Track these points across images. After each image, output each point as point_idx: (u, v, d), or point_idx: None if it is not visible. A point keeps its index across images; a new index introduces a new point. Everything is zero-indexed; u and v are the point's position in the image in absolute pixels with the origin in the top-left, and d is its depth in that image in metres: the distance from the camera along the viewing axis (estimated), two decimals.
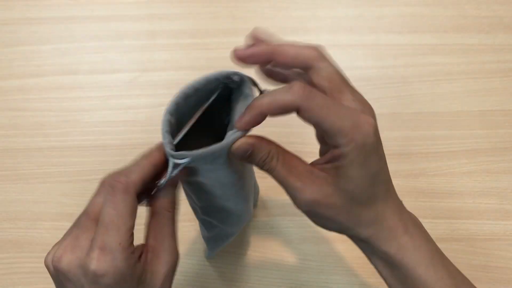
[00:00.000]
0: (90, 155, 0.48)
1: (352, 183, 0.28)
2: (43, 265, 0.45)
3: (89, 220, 0.28)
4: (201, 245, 0.46)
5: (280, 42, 0.31)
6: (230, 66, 0.52)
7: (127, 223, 0.26)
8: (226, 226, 0.37)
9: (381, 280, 0.45)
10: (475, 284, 0.37)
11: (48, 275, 0.45)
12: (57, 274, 0.27)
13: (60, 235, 0.46)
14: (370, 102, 0.51)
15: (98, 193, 0.29)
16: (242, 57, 0.31)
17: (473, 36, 0.52)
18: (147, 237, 0.29)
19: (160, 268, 0.28)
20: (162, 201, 0.29)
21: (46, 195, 0.47)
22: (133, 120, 0.49)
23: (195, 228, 0.46)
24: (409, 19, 0.52)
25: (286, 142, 0.49)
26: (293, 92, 0.27)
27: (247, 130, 0.29)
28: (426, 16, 0.52)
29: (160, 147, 0.31)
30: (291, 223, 0.47)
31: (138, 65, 0.51)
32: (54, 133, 0.49)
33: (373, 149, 0.27)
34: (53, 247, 0.28)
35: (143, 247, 0.28)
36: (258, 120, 0.29)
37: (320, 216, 0.29)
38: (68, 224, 0.47)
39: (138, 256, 0.27)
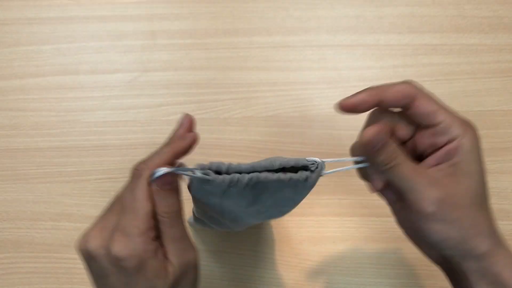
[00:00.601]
0: (90, 155, 0.49)
1: (473, 179, 0.27)
2: (43, 265, 0.45)
3: (119, 204, 0.28)
4: (201, 245, 0.46)
5: (374, 86, 0.31)
6: (230, 66, 0.52)
7: (144, 207, 0.27)
8: (228, 224, 0.36)
9: (381, 280, 0.45)
10: None
11: (48, 275, 0.46)
12: (85, 255, 0.28)
13: (60, 235, 0.46)
14: None
15: (128, 180, 0.29)
16: (350, 107, 0.30)
17: (473, 36, 0.52)
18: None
19: (171, 270, 0.28)
20: (159, 206, 0.28)
21: (46, 195, 0.47)
22: (133, 120, 0.49)
23: (196, 229, 0.46)
24: (409, 19, 0.52)
25: (286, 142, 0.49)
26: (410, 84, 0.29)
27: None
28: (426, 16, 0.52)
29: (181, 136, 0.31)
30: (291, 223, 0.47)
31: (138, 65, 0.51)
32: (54, 133, 0.49)
33: (480, 147, 0.27)
34: (85, 230, 0.29)
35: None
36: (371, 103, 0.29)
37: (444, 220, 0.27)
38: (68, 224, 0.47)
39: (160, 245, 0.27)
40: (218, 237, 0.46)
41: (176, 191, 0.29)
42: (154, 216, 0.27)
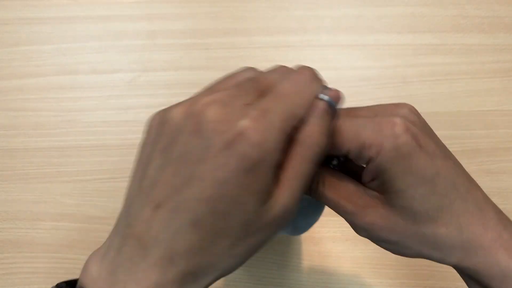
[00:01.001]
0: (90, 155, 0.49)
1: (405, 197, 0.23)
2: (43, 265, 0.45)
3: (255, 85, 0.22)
4: None
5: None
6: (230, 66, 0.52)
7: (301, 107, 0.22)
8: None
9: (381, 280, 0.45)
10: None
11: (48, 275, 0.46)
12: (187, 120, 0.21)
13: (60, 235, 0.46)
14: (370, 102, 0.51)
15: (270, 72, 0.24)
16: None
17: (474, 36, 0.52)
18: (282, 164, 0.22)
19: (273, 211, 0.21)
20: (308, 133, 0.22)
21: (46, 195, 0.47)
22: (133, 120, 0.49)
23: None
24: (409, 19, 0.52)
25: None
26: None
27: None
28: (426, 16, 0.52)
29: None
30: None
31: (138, 65, 0.51)
32: (54, 133, 0.49)
33: (413, 148, 0.22)
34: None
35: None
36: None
37: (386, 241, 0.25)
38: (68, 224, 0.47)
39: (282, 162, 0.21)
40: None
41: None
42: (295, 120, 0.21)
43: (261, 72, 0.24)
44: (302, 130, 0.22)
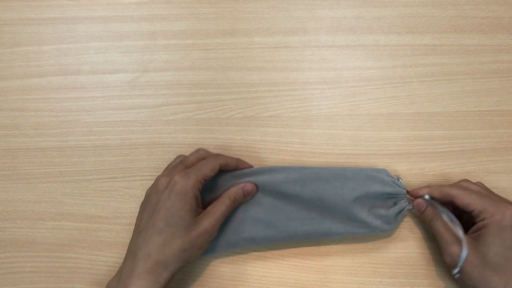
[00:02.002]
0: (91, 155, 0.49)
1: (487, 247, 0.38)
2: (44, 264, 0.46)
3: (183, 164, 0.43)
4: None
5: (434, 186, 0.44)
6: (230, 66, 0.53)
7: (207, 174, 0.41)
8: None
9: (380, 280, 0.45)
10: None
11: (49, 275, 0.46)
12: (152, 189, 0.41)
13: (61, 235, 0.46)
14: (369, 102, 0.52)
15: (191, 154, 0.44)
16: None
17: (472, 37, 0.52)
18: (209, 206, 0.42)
19: (198, 223, 0.39)
20: (231, 192, 0.42)
21: (47, 195, 0.48)
22: (134, 120, 0.50)
23: None
24: (408, 20, 0.52)
25: (286, 142, 0.50)
26: (455, 186, 0.43)
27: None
28: (425, 16, 0.53)
29: (249, 165, 0.46)
30: None
31: (138, 65, 0.51)
32: (55, 133, 0.49)
33: (509, 227, 0.38)
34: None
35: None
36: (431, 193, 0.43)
37: (461, 274, 0.39)
38: (69, 224, 0.47)
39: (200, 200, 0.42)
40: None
41: (246, 197, 0.44)
42: (203, 181, 0.41)
43: (186, 156, 0.44)
44: (228, 189, 0.43)
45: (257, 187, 0.44)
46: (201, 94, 0.50)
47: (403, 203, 0.44)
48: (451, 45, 0.52)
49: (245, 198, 0.43)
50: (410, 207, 0.44)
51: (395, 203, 0.44)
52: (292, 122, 0.50)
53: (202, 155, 0.44)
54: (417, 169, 0.48)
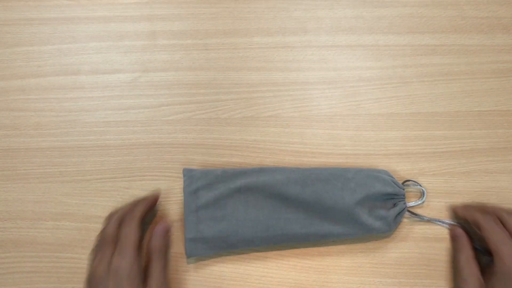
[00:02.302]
0: (91, 155, 0.49)
1: None
2: (44, 264, 0.46)
3: (108, 243, 0.41)
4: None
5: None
6: (230, 67, 0.53)
7: (136, 237, 0.40)
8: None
9: (380, 280, 0.45)
10: None
11: (49, 275, 0.46)
12: (92, 281, 0.39)
13: (61, 235, 0.46)
14: (369, 102, 0.52)
15: (106, 226, 0.42)
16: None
17: (472, 37, 0.52)
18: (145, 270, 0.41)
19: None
20: (151, 247, 0.41)
21: (47, 195, 0.48)
22: (134, 120, 0.50)
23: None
24: (408, 20, 0.53)
25: (286, 142, 0.50)
26: (484, 217, 0.43)
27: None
28: (425, 16, 0.53)
29: (155, 195, 0.46)
30: None
31: (139, 65, 0.51)
32: (55, 133, 0.49)
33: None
34: (89, 268, 0.41)
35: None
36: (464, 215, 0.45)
37: None
38: (69, 224, 0.47)
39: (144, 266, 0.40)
40: None
41: (168, 237, 0.43)
42: (140, 248, 0.40)
43: (103, 230, 0.42)
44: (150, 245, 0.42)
45: (251, 190, 0.44)
46: (201, 94, 0.50)
47: (402, 205, 0.44)
48: (451, 45, 0.52)
49: (167, 239, 0.43)
50: (408, 207, 0.44)
51: (394, 204, 0.44)
52: (292, 122, 0.50)
53: (117, 220, 0.42)
54: (417, 169, 0.48)
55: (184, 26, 0.52)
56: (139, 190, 0.48)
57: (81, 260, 0.46)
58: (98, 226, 0.47)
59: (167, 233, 0.43)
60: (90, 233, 0.46)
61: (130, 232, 0.40)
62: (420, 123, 0.50)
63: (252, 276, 0.45)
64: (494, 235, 0.40)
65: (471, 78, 0.51)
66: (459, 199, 0.47)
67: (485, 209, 0.44)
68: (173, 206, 0.47)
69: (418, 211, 0.46)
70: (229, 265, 0.46)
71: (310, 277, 0.45)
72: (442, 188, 0.48)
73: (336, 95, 0.50)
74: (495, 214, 0.42)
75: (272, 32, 0.52)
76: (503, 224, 0.41)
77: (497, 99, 0.50)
